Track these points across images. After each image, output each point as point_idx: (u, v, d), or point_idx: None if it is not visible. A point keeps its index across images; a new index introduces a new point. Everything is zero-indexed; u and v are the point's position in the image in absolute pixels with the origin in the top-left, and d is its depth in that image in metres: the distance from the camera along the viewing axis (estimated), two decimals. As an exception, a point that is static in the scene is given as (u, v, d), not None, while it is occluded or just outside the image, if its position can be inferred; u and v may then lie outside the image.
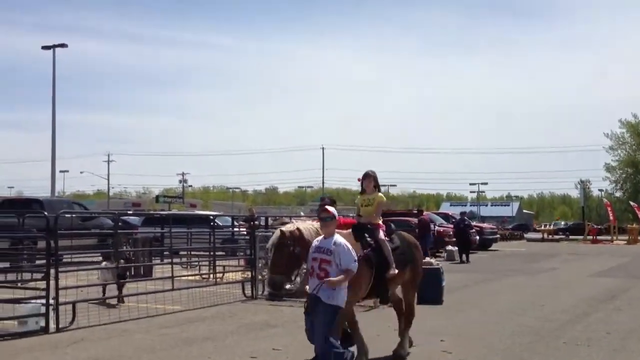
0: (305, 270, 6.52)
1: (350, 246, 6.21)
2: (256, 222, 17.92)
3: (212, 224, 17.17)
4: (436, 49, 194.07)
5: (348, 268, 6.06)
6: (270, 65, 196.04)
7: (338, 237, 6.18)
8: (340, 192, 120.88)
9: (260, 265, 13.41)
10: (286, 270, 6.32)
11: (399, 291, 7.96)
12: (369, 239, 6.95)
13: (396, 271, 7.00)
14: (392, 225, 7.81)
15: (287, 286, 6.74)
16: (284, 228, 6.41)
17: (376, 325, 9.85)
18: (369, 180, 7.54)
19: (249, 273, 13.64)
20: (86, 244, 17.22)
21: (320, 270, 6.02)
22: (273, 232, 6.70)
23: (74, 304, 9.82)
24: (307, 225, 6.59)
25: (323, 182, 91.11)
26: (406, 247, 7.66)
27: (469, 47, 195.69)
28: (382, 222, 7.45)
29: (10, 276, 12.25)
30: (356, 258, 6.28)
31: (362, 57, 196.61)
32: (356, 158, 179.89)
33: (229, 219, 24.59)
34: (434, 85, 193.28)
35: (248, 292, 13.11)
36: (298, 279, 9.00)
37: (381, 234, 7.14)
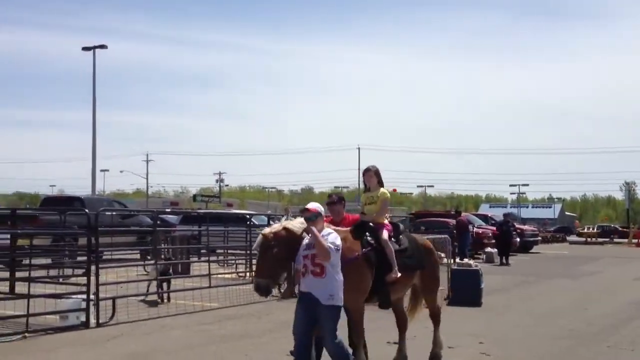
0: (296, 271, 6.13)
1: (336, 234, 5.90)
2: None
3: (248, 222, 17.29)
4: (473, 50, 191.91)
5: (331, 243, 5.71)
6: (307, 66, 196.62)
7: (327, 229, 5.89)
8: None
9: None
10: (272, 274, 5.96)
11: (405, 301, 7.57)
12: (369, 238, 6.51)
13: (398, 274, 6.45)
14: (401, 226, 7.34)
15: (275, 290, 6.35)
16: (267, 230, 6.06)
17: (413, 326, 9.78)
18: (370, 175, 7.06)
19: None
20: (126, 241, 17.59)
21: (314, 266, 5.71)
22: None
23: (113, 299, 10.05)
24: (296, 223, 6.18)
25: (359, 183, 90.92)
26: (416, 250, 7.09)
27: (507, 47, 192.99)
28: (391, 222, 7.02)
29: (53, 272, 12.60)
30: (356, 254, 6.15)
31: (399, 57, 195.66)
32: (392, 158, 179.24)
33: (265, 218, 24.73)
34: (473, 86, 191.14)
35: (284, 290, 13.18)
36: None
37: (384, 234, 6.65)
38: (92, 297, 9.61)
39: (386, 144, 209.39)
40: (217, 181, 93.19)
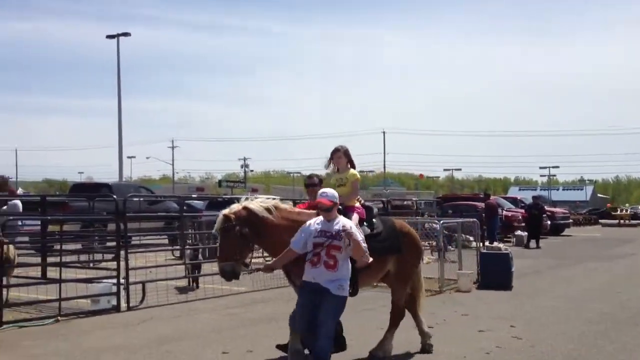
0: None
1: (356, 225, 5.78)
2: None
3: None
4: (502, 30, 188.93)
5: (362, 240, 5.61)
6: (329, 50, 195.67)
7: (342, 218, 5.69)
8: (402, 176, 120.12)
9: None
10: (236, 256, 5.79)
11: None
12: None
13: (369, 259, 5.82)
14: (375, 209, 6.96)
15: (241, 273, 6.00)
16: (226, 210, 5.86)
17: (443, 310, 9.81)
18: (339, 156, 6.72)
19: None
20: (153, 226, 17.82)
21: (328, 258, 5.45)
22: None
23: (143, 284, 10.21)
24: (258, 202, 6.00)
25: (384, 167, 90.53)
26: (392, 234, 6.69)
27: (537, 26, 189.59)
28: (363, 205, 6.70)
29: (83, 257, 12.84)
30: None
31: (424, 40, 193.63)
32: (418, 142, 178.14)
33: (291, 202, 24.84)
34: (502, 67, 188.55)
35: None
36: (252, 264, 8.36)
37: (354, 217, 6.27)
38: (122, 281, 9.78)
39: (412, 127, 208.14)
40: (242, 167, 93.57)
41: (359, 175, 6.83)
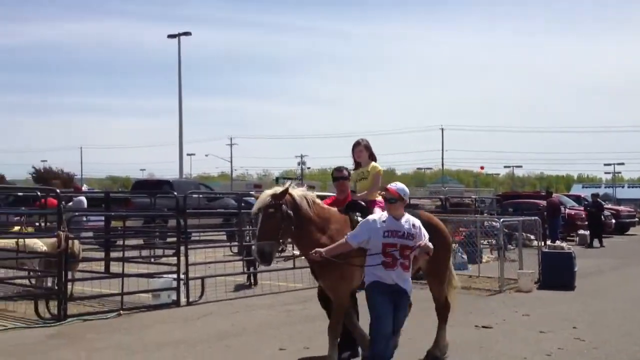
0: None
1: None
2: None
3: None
4: (563, 25, 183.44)
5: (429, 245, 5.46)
6: (386, 48, 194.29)
7: (411, 217, 5.49)
8: (461, 173, 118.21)
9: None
10: (278, 237, 5.63)
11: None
12: (360, 219, 5.94)
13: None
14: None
15: (277, 254, 5.89)
16: (271, 191, 5.76)
17: (502, 310, 9.61)
18: (360, 149, 6.61)
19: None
20: (212, 223, 18.11)
21: (404, 259, 5.29)
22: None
23: (202, 279, 10.39)
24: (300, 191, 5.88)
25: (443, 164, 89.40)
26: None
27: (599, 21, 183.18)
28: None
29: (145, 252, 13.16)
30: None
31: (482, 36, 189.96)
32: (477, 138, 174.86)
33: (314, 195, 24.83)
34: (564, 62, 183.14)
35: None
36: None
37: (376, 211, 6.08)
38: (182, 276, 9.98)
39: (471, 123, 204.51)
40: (299, 164, 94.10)
41: (380, 169, 6.67)
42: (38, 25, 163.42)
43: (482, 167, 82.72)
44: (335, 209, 6.17)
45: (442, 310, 6.72)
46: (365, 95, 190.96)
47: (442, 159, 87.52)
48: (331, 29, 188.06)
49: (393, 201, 5.36)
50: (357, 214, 6.15)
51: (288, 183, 6.03)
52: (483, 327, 8.30)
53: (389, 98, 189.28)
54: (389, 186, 5.43)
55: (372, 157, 6.68)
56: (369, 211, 6.06)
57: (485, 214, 21.30)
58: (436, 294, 6.72)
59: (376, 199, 6.37)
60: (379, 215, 5.52)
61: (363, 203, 6.31)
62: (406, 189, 5.48)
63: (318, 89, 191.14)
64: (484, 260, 15.01)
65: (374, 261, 5.32)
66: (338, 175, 6.51)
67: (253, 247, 5.61)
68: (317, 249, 5.56)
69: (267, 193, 5.73)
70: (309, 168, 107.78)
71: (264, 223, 5.65)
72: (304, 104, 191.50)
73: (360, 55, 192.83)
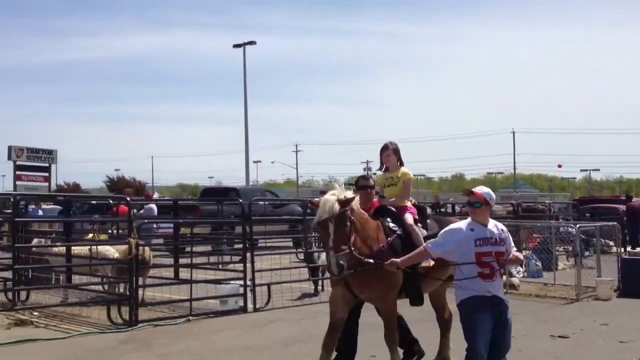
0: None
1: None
2: (442, 209, 17.76)
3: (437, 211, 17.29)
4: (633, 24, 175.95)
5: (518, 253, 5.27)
6: (453, 50, 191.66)
7: (496, 222, 5.21)
8: (535, 177, 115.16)
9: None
10: (349, 246, 5.33)
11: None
12: (392, 225, 5.84)
13: (431, 263, 5.59)
14: (427, 209, 6.51)
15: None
16: (337, 194, 5.42)
17: (580, 319, 9.28)
18: (388, 154, 6.42)
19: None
20: (278, 229, 18.30)
21: (500, 266, 5.01)
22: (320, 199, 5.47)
23: (268, 285, 10.49)
24: (351, 196, 5.56)
25: (514, 168, 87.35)
26: None
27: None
28: (415, 205, 6.37)
29: (213, 259, 13.43)
30: (382, 245, 5.55)
31: (555, 35, 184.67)
32: (551, 142, 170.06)
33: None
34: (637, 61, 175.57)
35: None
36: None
37: (409, 218, 6.01)
38: (248, 283, 10.11)
39: (544, 126, 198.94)
40: (364, 169, 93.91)
41: (411, 175, 6.50)
42: (110, 39, 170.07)
43: (559, 165, 79.79)
44: (366, 215, 5.96)
45: (444, 323, 6.58)
46: (431, 99, 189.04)
47: (514, 163, 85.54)
48: (394, 31, 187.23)
49: (478, 205, 5.05)
50: (388, 219, 6.01)
51: (338, 186, 5.76)
52: (559, 336, 8.03)
53: (456, 101, 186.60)
54: (474, 189, 5.16)
55: (401, 162, 6.53)
56: (400, 217, 5.99)
57: (561, 220, 20.66)
58: (442, 300, 6.57)
59: (407, 205, 6.23)
60: (462, 223, 5.18)
61: (393, 209, 6.16)
62: (492, 193, 5.19)
63: (383, 93, 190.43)
64: (559, 268, 14.53)
65: (470, 273, 4.96)
66: (365, 184, 6.28)
67: (329, 258, 5.26)
68: (392, 260, 5.32)
69: (331, 199, 5.40)
70: (374, 174, 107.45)
71: (336, 232, 5.32)
72: (369, 109, 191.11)
73: (426, 58, 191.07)
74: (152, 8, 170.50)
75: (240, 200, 12.78)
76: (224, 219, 16.09)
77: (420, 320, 7.00)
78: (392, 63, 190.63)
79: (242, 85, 43.74)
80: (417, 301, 5.95)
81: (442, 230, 5.31)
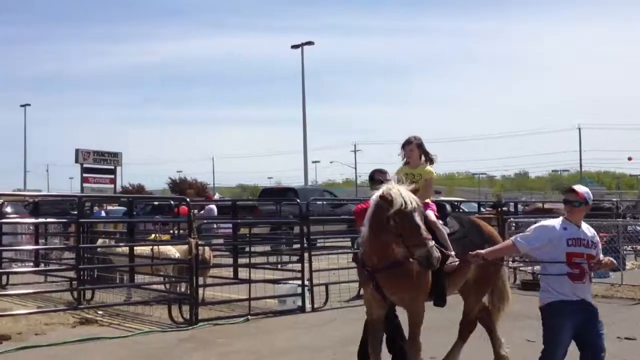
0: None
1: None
2: (504, 208, 17.35)
3: (457, 210, 17.01)
4: None
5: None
6: (517, 46, 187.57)
7: (588, 225, 5.01)
8: (601, 175, 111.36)
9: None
10: None
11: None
12: None
13: (457, 261, 5.47)
14: (448, 207, 6.20)
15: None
16: (406, 188, 5.17)
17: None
18: (411, 148, 6.19)
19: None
20: (336, 229, 18.28)
21: (590, 270, 4.85)
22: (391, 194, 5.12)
23: (326, 285, 10.49)
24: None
25: (581, 165, 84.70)
26: (473, 231, 6.16)
27: None
28: (434, 202, 6.17)
29: (272, 258, 13.53)
30: None
31: (618, 30, 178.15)
32: (618, 138, 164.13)
33: (475, 204, 24.20)
34: None
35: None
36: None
37: (431, 215, 5.78)
38: (306, 282, 10.14)
39: (612, 122, 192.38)
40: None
41: (434, 174, 6.28)
42: (170, 43, 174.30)
43: (629, 158, 76.68)
44: None
45: (467, 327, 6.31)
46: (493, 95, 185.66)
47: (580, 160, 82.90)
48: (455, 29, 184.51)
49: (577, 205, 4.87)
50: None
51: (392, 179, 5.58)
52: (626, 338, 7.75)
53: (519, 97, 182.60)
54: (575, 187, 4.95)
55: (426, 157, 6.28)
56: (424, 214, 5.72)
57: (629, 218, 19.92)
58: (467, 308, 6.30)
59: (429, 202, 6.04)
60: (555, 221, 4.99)
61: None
62: (590, 193, 4.99)
63: (442, 91, 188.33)
64: (627, 268, 14.01)
65: (558, 271, 4.79)
66: (382, 179, 5.94)
67: (428, 248, 4.92)
68: (477, 251, 5.16)
69: (407, 190, 5.14)
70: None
71: (421, 221, 5.12)
72: (430, 107, 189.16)
73: (488, 55, 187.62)
74: (211, 12, 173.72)
75: (298, 201, 12.83)
76: (282, 219, 16.19)
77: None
78: (453, 61, 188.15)
79: (301, 86, 44.00)
80: (440, 302, 5.79)
81: (534, 226, 5.09)
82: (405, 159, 6.32)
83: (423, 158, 6.28)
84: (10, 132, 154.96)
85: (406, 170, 6.23)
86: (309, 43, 43.56)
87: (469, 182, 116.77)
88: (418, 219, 5.05)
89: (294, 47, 43.84)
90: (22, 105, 63.14)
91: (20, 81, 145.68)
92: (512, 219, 14.15)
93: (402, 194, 5.09)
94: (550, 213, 17.34)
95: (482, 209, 21.61)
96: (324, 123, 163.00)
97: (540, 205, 21.59)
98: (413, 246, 4.97)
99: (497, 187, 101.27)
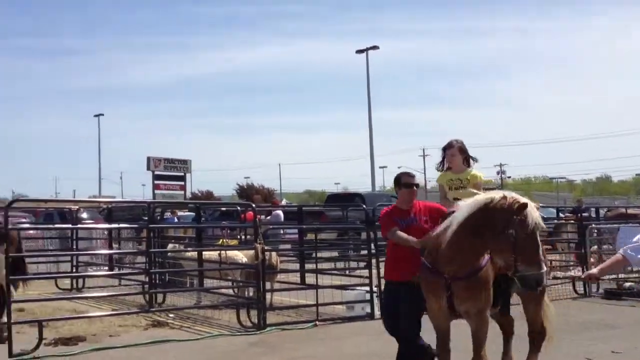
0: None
1: None
2: (585, 214, 16.88)
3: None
4: None
5: None
6: (593, 45, 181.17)
7: None
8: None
9: (592, 260, 12.59)
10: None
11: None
12: None
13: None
14: None
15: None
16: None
17: None
18: (452, 153, 5.98)
19: (579, 269, 12.91)
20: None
21: None
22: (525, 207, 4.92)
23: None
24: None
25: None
26: None
27: None
28: None
29: (339, 264, 13.64)
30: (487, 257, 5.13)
31: None
32: None
33: (553, 210, 23.61)
34: None
35: (579, 288, 12.40)
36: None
37: None
38: (375, 289, 10.18)
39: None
40: (498, 173, 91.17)
41: (481, 177, 6.13)
42: (237, 52, 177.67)
43: None
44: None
45: (538, 337, 6.08)
46: (571, 97, 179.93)
47: (667, 162, 79.26)
48: (525, 28, 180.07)
49: None
50: None
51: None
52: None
53: (599, 99, 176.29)
54: None
55: (468, 162, 6.12)
56: None
57: None
58: (530, 316, 6.09)
59: None
60: None
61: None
62: None
63: (516, 93, 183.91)
64: None
65: None
66: (411, 182, 5.84)
67: (542, 271, 4.89)
68: (589, 272, 5.11)
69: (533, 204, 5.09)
70: (509, 177, 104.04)
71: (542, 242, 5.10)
72: (502, 110, 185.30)
73: (562, 55, 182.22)
74: (275, 20, 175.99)
75: (364, 206, 12.89)
76: (348, 225, 16.29)
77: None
78: (525, 61, 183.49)
79: (366, 91, 44.07)
80: (506, 309, 5.72)
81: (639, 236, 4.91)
82: (446, 164, 6.18)
83: (465, 162, 6.14)
84: (86, 142, 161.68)
85: (450, 176, 6.12)
86: (374, 47, 43.65)
87: (547, 186, 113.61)
88: (539, 238, 4.94)
89: (359, 51, 44.02)
90: (95, 115, 65.78)
91: (94, 92, 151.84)
92: (593, 225, 13.78)
93: (535, 210, 4.97)
94: (635, 219, 16.75)
95: (560, 215, 21.08)
96: (391, 128, 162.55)
97: (623, 210, 20.83)
98: (524, 263, 4.84)
99: (577, 192, 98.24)
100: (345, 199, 24.61)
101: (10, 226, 8.71)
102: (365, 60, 43.55)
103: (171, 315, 10.12)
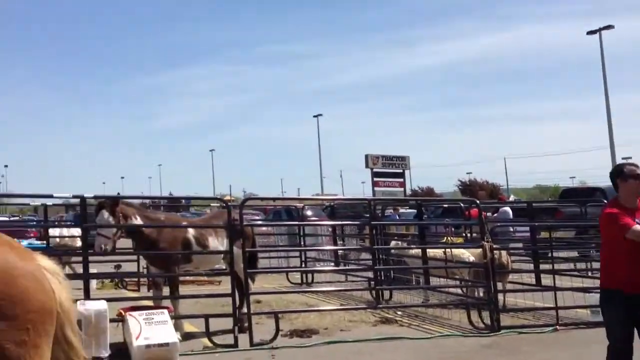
0: None
1: None
2: None
3: None
4: None
5: None
6: None
7: None
8: None
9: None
10: None
11: None
12: None
13: None
14: None
15: None
16: None
17: None
18: None
19: None
20: None
21: None
22: None
23: None
24: None
25: None
26: None
27: None
28: None
29: (580, 265, 12.85)
30: None
31: None
32: None
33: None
34: None
35: None
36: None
37: None
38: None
39: None
40: None
41: None
42: (456, 42, 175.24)
43: None
44: None
45: None
46: None
47: None
48: None
49: None
50: None
51: None
52: None
53: None
54: None
55: None
56: None
57: None
58: None
59: None
60: None
61: None
62: None
63: None
64: None
65: None
66: (638, 173, 5.32)
67: None
68: None
69: None
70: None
71: None
72: None
73: None
74: (497, 6, 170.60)
75: (605, 202, 11.94)
76: (586, 222, 15.25)
77: None
78: None
79: (601, 75, 41.08)
80: None
81: None
82: None
83: None
84: (307, 142, 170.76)
85: None
86: (608, 27, 40.63)
87: None
88: None
89: (590, 32, 41.26)
90: (314, 116, 69.21)
91: (312, 93, 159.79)
92: None
93: None
94: None
95: None
96: (634, 114, 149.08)
97: None
98: None
99: None
100: (583, 194, 23.07)
101: (245, 223, 9.40)
102: (598, 41, 40.69)
103: (399, 312, 10.28)
